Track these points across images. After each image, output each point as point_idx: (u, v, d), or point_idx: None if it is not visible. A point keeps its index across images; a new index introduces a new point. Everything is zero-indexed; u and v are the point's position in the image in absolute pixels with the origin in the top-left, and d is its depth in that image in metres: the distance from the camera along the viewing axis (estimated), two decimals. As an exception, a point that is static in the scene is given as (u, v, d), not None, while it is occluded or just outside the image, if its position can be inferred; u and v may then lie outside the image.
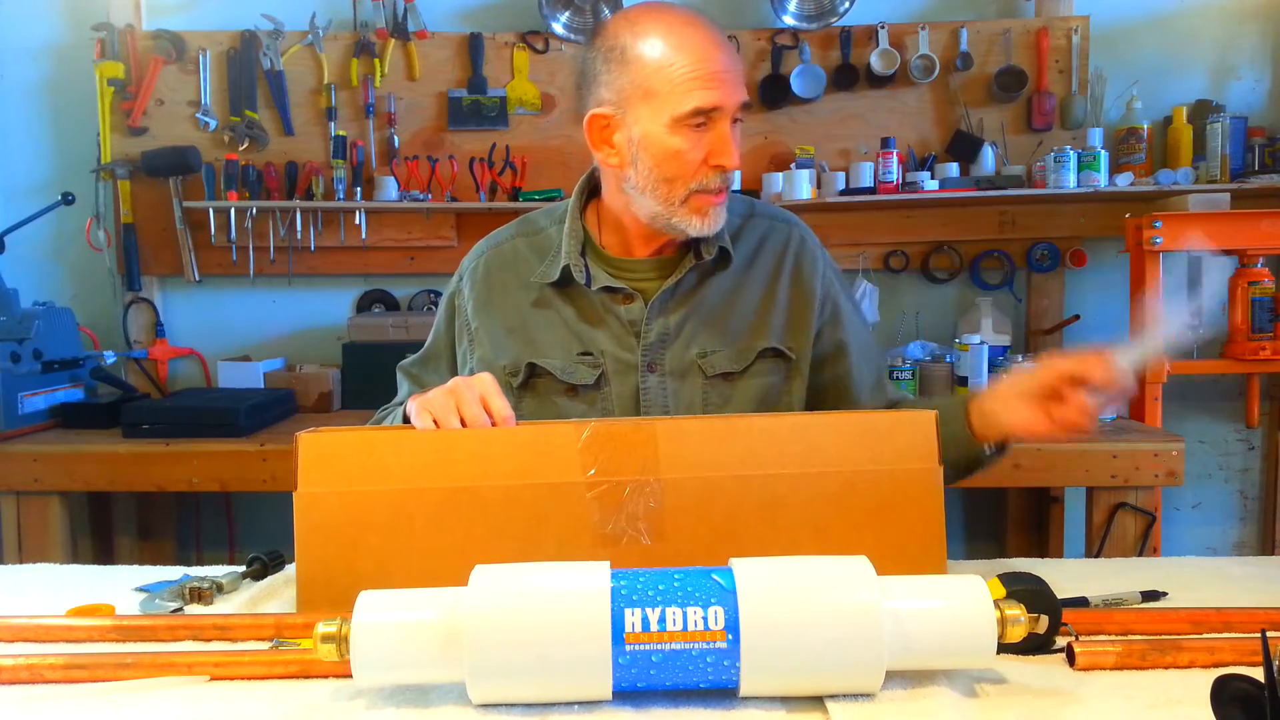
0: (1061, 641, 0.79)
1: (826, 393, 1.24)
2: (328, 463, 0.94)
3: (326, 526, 0.93)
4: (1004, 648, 0.73)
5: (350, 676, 0.71)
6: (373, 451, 0.94)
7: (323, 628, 0.71)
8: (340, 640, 0.71)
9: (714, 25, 1.10)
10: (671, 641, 0.69)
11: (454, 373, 1.25)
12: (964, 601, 0.73)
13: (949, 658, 0.74)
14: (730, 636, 0.69)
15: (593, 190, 1.23)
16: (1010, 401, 1.04)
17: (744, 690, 0.71)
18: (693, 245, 1.18)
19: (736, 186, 2.53)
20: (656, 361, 1.17)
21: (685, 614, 0.70)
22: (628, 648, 0.69)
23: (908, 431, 0.95)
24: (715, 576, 0.72)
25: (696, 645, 0.69)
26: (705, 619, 0.70)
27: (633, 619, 0.70)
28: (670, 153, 1.08)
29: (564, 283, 1.18)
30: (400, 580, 0.78)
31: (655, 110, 1.07)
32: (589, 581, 0.72)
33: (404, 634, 0.71)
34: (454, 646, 0.70)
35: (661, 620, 0.70)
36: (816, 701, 0.72)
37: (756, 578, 0.72)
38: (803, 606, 0.71)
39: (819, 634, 0.70)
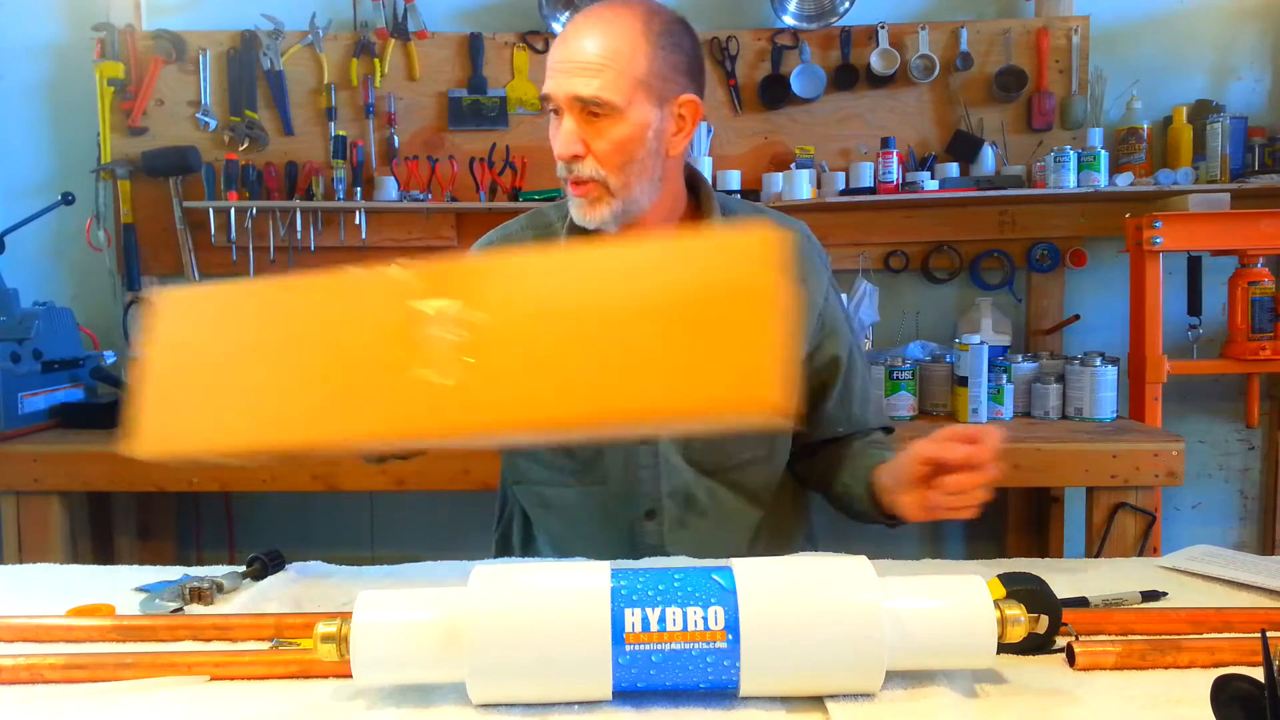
0: (1061, 641, 0.79)
1: (822, 402, 1.24)
2: (181, 319, 0.92)
3: (173, 363, 0.89)
4: (1004, 648, 0.73)
5: (350, 676, 0.71)
6: (221, 304, 0.92)
7: (322, 628, 0.71)
8: (340, 640, 0.71)
9: (603, 13, 1.09)
10: (671, 641, 0.69)
11: None
12: (964, 601, 0.73)
13: (949, 658, 0.74)
14: (730, 636, 0.69)
15: None
16: (893, 487, 1.06)
17: (744, 690, 0.71)
18: None
19: (735, 187, 2.55)
20: None
21: (685, 614, 0.70)
22: (628, 648, 0.69)
23: (739, 253, 0.78)
24: (715, 576, 0.72)
25: (696, 645, 0.69)
26: (705, 619, 0.70)
27: (633, 619, 0.70)
28: (549, 136, 1.13)
29: None
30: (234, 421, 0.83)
31: None
32: (589, 581, 0.72)
33: (404, 634, 0.71)
34: (454, 646, 0.70)
35: (661, 620, 0.70)
36: (816, 702, 0.72)
37: (756, 578, 0.72)
38: (803, 606, 0.71)
39: (819, 634, 0.70)
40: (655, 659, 0.69)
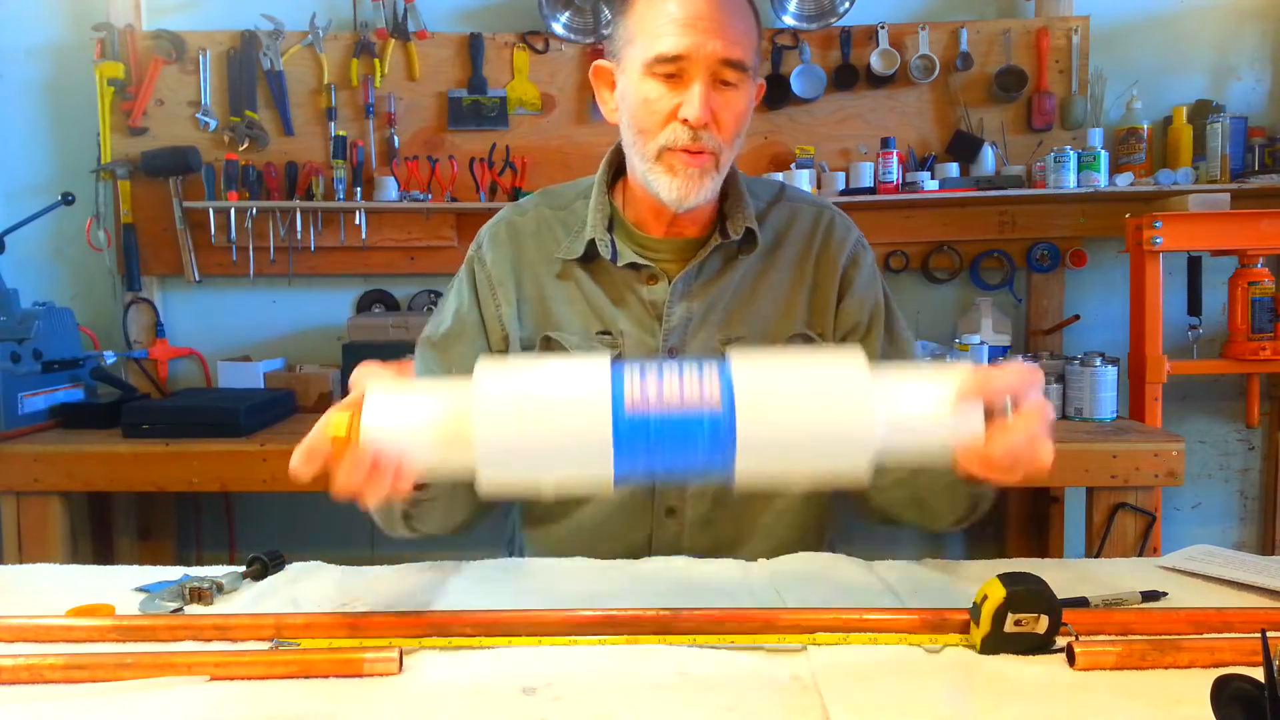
0: (1061, 641, 0.79)
1: None
2: None
3: None
4: (1004, 648, 0.73)
5: (353, 677, 0.70)
6: None
7: (331, 430, 0.73)
8: (354, 409, 0.74)
9: None
10: (668, 408, 0.70)
11: (480, 346, 1.17)
12: (947, 378, 0.76)
13: (935, 426, 0.75)
14: (725, 404, 0.70)
15: (619, 168, 1.18)
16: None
17: (740, 449, 0.71)
18: (719, 225, 1.14)
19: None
20: (678, 347, 1.13)
21: (682, 378, 0.71)
22: (627, 415, 0.70)
23: None
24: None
25: (694, 410, 0.70)
26: (701, 380, 0.71)
27: (631, 390, 0.71)
28: (640, 101, 1.03)
29: (588, 258, 1.14)
30: None
31: (634, 57, 1.04)
32: (589, 362, 0.74)
33: (415, 408, 0.74)
34: (463, 438, 0.72)
35: (660, 391, 0.71)
36: (811, 692, 0.72)
37: (751, 355, 0.74)
38: (796, 371, 0.74)
39: (812, 393, 0.72)
40: (654, 426, 0.70)
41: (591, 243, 1.12)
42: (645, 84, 1.03)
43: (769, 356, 0.75)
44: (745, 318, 1.14)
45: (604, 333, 1.13)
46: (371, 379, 0.77)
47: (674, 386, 0.71)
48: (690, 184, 1.04)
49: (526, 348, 1.14)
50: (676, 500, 1.14)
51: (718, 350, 1.12)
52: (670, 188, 1.05)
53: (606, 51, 1.11)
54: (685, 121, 1.01)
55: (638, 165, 1.08)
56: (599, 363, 0.73)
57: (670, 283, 1.13)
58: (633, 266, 1.13)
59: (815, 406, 0.72)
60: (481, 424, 0.71)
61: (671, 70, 1.01)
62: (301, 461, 0.77)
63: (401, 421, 0.74)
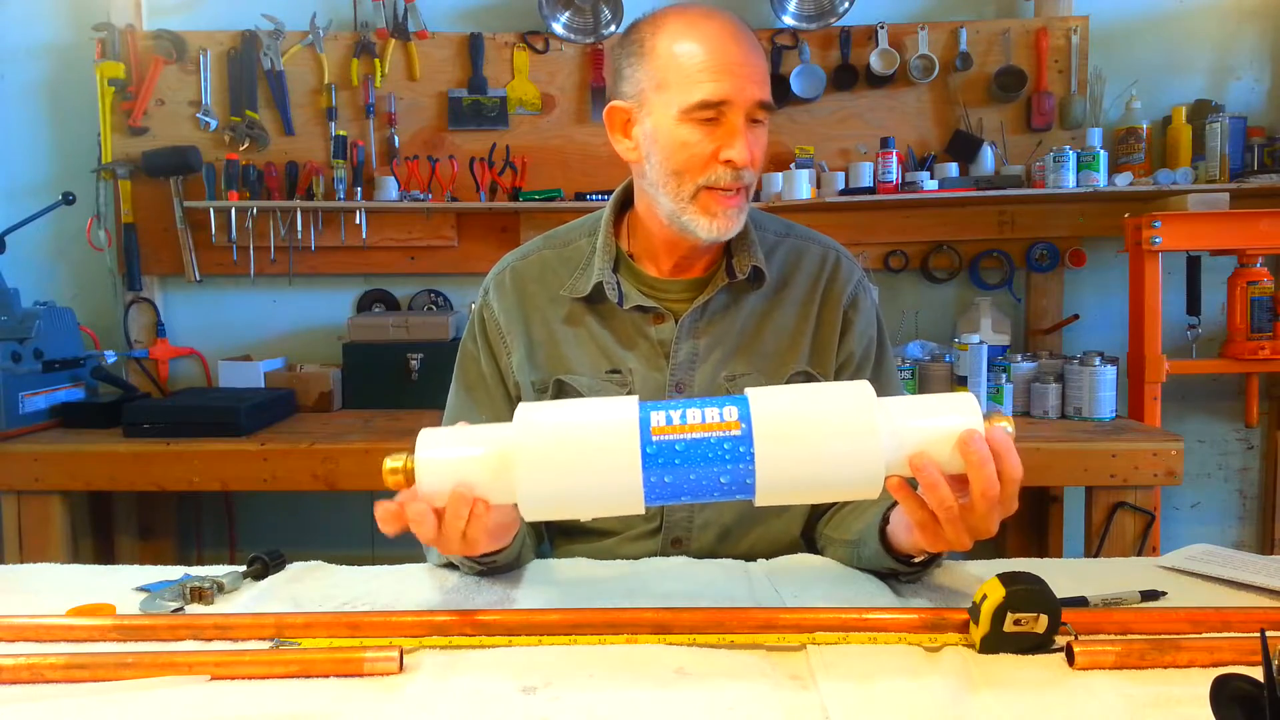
0: (1061, 641, 0.79)
1: None
2: None
3: None
4: (1003, 647, 0.73)
5: (353, 677, 0.71)
6: None
7: (389, 463, 0.79)
8: (406, 474, 0.78)
9: (740, 23, 1.07)
10: (692, 432, 0.75)
11: (505, 395, 1.19)
12: (949, 402, 0.79)
13: (933, 432, 0.78)
14: (744, 426, 0.75)
15: (625, 205, 1.20)
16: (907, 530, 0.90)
17: (759, 477, 0.75)
18: (725, 264, 1.15)
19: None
20: (685, 382, 1.14)
21: (703, 411, 0.76)
22: (654, 438, 0.75)
23: None
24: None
25: (715, 434, 0.75)
26: (721, 414, 0.76)
27: (658, 417, 0.76)
28: (678, 144, 1.05)
29: (595, 299, 1.15)
30: None
31: (666, 102, 1.05)
32: (619, 401, 0.79)
33: (465, 458, 0.79)
34: (507, 459, 0.77)
35: (683, 418, 0.76)
36: (811, 691, 0.72)
37: (766, 392, 0.79)
38: (805, 398, 0.79)
39: (821, 423, 0.76)
40: (679, 447, 0.75)
41: (599, 285, 1.14)
42: (683, 128, 1.05)
43: (779, 387, 0.81)
44: (749, 354, 1.16)
45: (613, 371, 1.15)
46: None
47: (696, 413, 0.76)
48: (729, 222, 1.08)
49: (539, 390, 1.16)
50: (682, 532, 1.16)
51: (722, 385, 1.14)
52: (710, 228, 1.07)
53: (621, 94, 1.11)
54: (729, 163, 1.04)
55: (667, 205, 1.09)
56: (628, 398, 0.79)
57: (677, 321, 1.15)
58: (639, 309, 1.14)
59: (826, 415, 0.76)
60: (523, 445, 0.76)
61: (712, 115, 1.04)
62: (383, 522, 0.83)
63: (451, 451, 0.79)
